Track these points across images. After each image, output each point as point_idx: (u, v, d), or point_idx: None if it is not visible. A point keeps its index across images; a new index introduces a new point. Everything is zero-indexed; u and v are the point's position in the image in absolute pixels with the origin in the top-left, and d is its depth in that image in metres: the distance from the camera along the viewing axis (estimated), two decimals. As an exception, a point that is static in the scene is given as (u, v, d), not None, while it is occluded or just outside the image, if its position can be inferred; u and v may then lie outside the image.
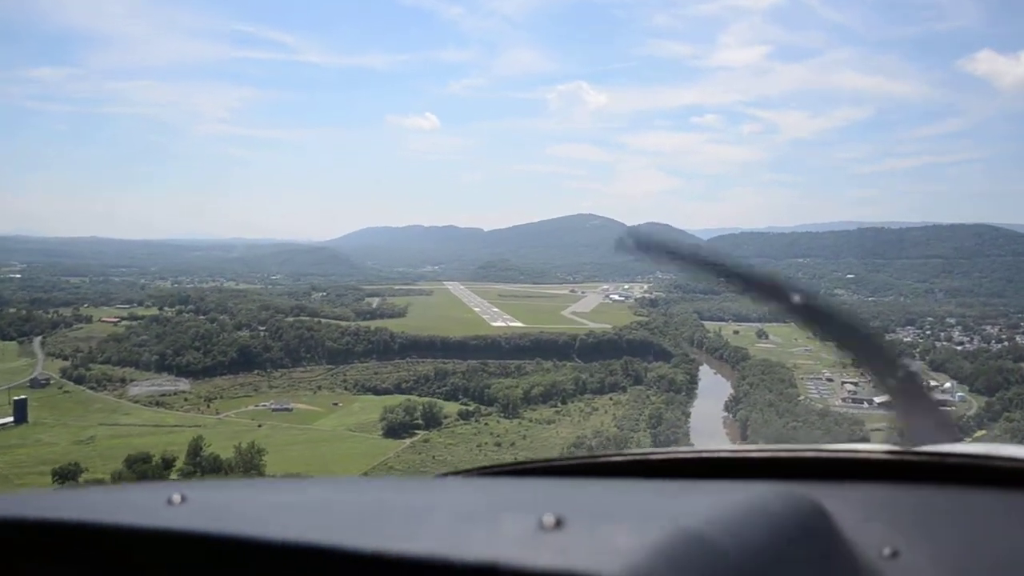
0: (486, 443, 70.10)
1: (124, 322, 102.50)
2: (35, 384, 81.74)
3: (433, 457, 65.70)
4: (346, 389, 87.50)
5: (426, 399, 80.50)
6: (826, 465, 1.23)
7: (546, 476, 1.39)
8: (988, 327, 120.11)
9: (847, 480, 1.19)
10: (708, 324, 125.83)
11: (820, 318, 1.37)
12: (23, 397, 73.28)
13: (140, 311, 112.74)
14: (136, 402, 77.55)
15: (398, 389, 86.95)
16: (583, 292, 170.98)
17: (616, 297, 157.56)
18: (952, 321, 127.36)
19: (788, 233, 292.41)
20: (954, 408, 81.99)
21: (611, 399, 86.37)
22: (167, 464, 56.38)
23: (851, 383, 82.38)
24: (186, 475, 56.27)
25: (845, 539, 0.85)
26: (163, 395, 79.34)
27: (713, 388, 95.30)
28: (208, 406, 78.17)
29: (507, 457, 67.57)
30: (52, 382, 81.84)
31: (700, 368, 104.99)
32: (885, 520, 1.01)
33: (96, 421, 71.36)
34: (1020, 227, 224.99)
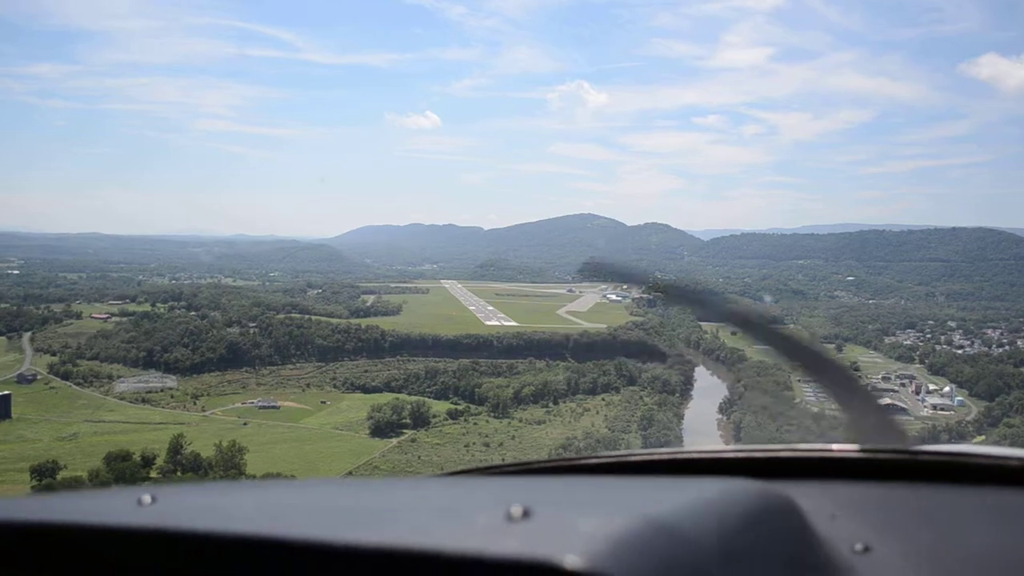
0: (474, 443, 69.01)
1: (114, 318, 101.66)
2: (22, 380, 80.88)
3: (419, 457, 64.66)
4: (335, 387, 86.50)
5: (415, 398, 79.48)
6: (800, 464, 1.27)
7: (522, 475, 1.42)
8: (989, 331, 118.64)
9: (821, 478, 1.22)
10: (705, 325, 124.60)
11: (770, 336, 1.42)
12: (7, 393, 72.42)
13: (132, 307, 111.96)
14: (122, 399, 76.63)
15: (388, 387, 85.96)
16: (581, 292, 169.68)
17: (614, 297, 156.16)
18: (953, 324, 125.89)
19: (789, 235, 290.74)
20: (952, 412, 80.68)
21: (603, 400, 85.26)
22: (147, 462, 55.51)
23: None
24: (166, 473, 55.43)
25: (816, 534, 0.87)
26: (149, 392, 78.40)
27: (709, 389, 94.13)
28: (194, 403, 77.22)
29: (495, 458, 66.54)
30: (39, 378, 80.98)
31: (696, 369, 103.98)
32: (857, 516, 1.03)
33: (80, 418, 70.48)
34: (1022, 231, 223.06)
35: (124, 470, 53.09)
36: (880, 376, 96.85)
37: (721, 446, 1.44)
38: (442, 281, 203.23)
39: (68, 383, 79.77)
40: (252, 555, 0.67)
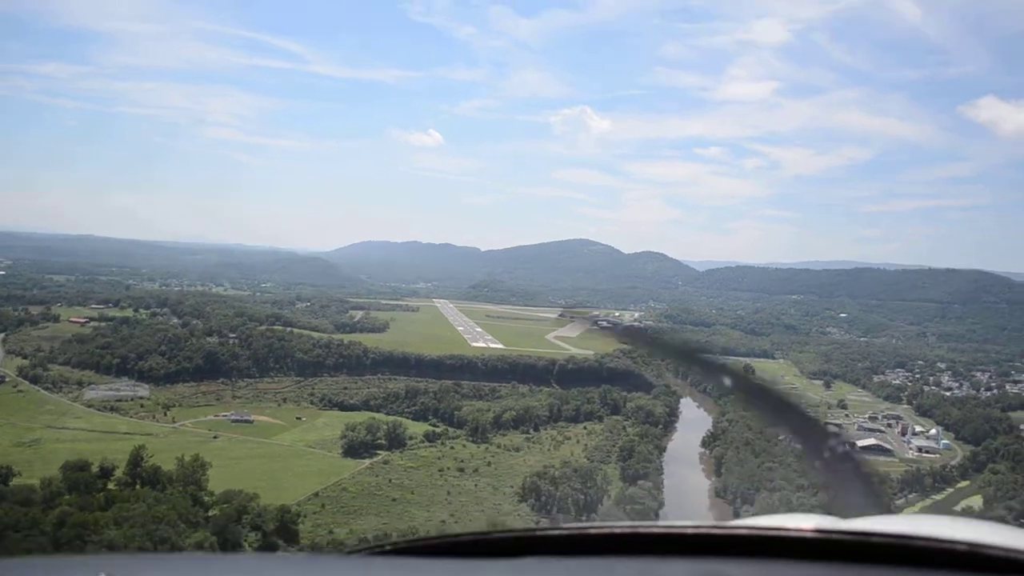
0: (448, 468, 67.19)
1: (92, 323, 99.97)
2: (-10, 381, 79.04)
3: (390, 480, 62.80)
4: (312, 403, 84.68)
5: (393, 418, 77.70)
6: (754, 543, 1.27)
7: (451, 556, 1.36)
8: (978, 373, 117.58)
9: (774, 558, 1.22)
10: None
11: (752, 392, 1.45)
12: (-28, 394, 70.65)
13: (114, 312, 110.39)
14: (90, 406, 74.74)
15: (366, 406, 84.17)
16: (572, 317, 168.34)
17: (604, 324, 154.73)
18: (943, 366, 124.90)
19: (785, 269, 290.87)
20: (938, 455, 79.17)
21: (585, 428, 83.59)
22: (105, 473, 53.68)
23: (834, 424, 79.54)
24: (124, 486, 53.52)
25: None
26: (119, 400, 76.51)
27: (694, 422, 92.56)
28: (165, 414, 75.32)
29: (467, 484, 64.75)
30: (7, 380, 79.15)
31: (682, 400, 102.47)
32: None
33: (44, 423, 68.55)
34: (1016, 275, 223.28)
35: (80, 480, 51.27)
36: (867, 416, 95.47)
37: (678, 521, 1.43)
38: (434, 300, 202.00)
39: (36, 387, 77.92)
40: None
